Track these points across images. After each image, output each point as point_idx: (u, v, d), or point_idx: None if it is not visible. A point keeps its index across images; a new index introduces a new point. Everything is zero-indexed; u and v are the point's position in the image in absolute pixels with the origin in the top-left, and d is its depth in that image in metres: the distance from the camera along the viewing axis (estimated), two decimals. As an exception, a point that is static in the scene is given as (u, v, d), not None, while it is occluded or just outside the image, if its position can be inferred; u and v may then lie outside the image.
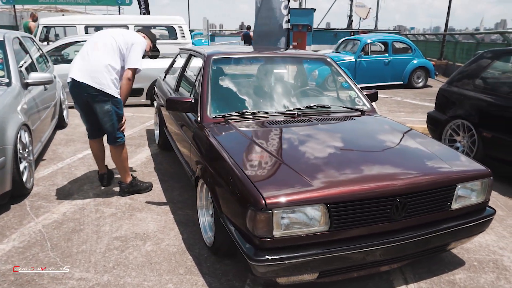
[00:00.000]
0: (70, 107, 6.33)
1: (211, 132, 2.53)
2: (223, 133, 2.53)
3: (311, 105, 2.98)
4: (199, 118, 2.75)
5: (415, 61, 9.82)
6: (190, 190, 3.44)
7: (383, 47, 9.95)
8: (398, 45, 9.94)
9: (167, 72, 4.59)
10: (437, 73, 10.68)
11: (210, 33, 15.75)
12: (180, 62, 4.73)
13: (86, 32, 9.07)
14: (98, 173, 3.51)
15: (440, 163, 2.23)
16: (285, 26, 5.01)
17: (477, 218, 2.19)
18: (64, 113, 5.50)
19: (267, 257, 1.78)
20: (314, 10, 16.50)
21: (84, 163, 4.07)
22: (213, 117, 2.73)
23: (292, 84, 3.36)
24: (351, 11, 23.52)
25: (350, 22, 24.05)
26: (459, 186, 2.10)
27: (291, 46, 15.69)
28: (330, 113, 2.97)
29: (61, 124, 5.33)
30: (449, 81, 4.60)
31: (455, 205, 2.12)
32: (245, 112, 2.79)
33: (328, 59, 3.47)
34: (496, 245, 2.65)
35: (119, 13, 18.17)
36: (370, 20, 26.81)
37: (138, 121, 5.97)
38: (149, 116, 6.31)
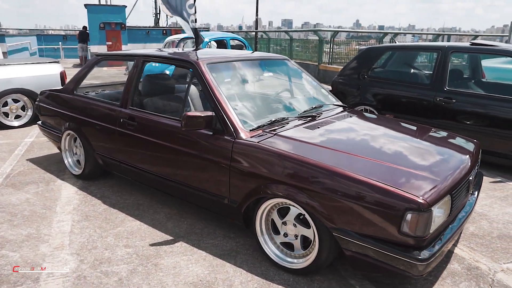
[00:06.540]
0: None
1: (271, 147, 2.27)
2: (289, 146, 2.29)
3: (314, 106, 3.05)
4: (234, 133, 2.42)
5: (249, 57, 10.67)
6: (184, 217, 2.98)
7: (215, 44, 10.40)
8: (233, 43, 10.59)
9: (76, 84, 3.64)
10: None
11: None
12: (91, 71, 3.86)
13: None
14: None
15: (457, 145, 2.75)
16: (191, 25, 4.68)
17: None
18: None
19: (429, 254, 1.87)
20: (125, 6, 15.52)
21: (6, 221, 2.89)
22: (250, 130, 2.46)
23: (282, 86, 3.30)
24: (156, 8, 23.08)
25: (157, 20, 23.62)
26: None
27: (109, 43, 14.51)
28: (324, 111, 3.10)
29: None
30: (341, 74, 5.37)
31: None
32: (274, 121, 2.62)
33: (290, 61, 3.59)
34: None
35: None
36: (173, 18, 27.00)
37: (1, 150, 4.49)
38: (8, 142, 4.85)
